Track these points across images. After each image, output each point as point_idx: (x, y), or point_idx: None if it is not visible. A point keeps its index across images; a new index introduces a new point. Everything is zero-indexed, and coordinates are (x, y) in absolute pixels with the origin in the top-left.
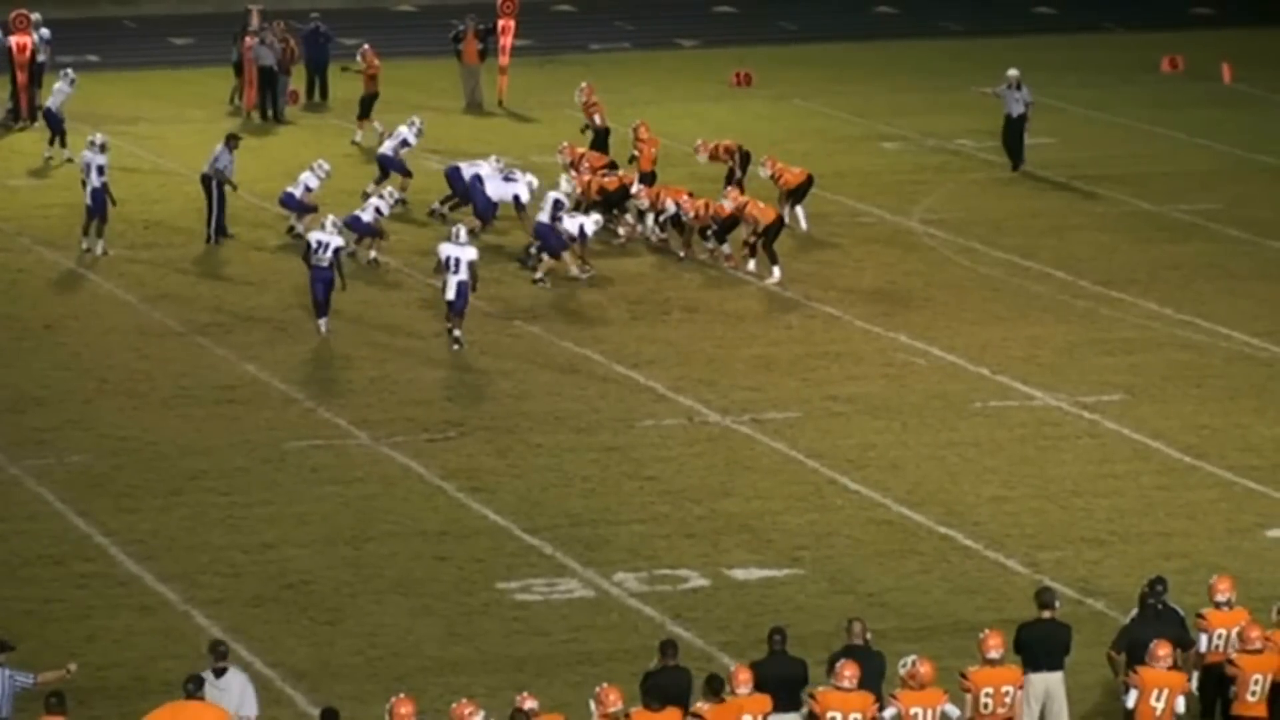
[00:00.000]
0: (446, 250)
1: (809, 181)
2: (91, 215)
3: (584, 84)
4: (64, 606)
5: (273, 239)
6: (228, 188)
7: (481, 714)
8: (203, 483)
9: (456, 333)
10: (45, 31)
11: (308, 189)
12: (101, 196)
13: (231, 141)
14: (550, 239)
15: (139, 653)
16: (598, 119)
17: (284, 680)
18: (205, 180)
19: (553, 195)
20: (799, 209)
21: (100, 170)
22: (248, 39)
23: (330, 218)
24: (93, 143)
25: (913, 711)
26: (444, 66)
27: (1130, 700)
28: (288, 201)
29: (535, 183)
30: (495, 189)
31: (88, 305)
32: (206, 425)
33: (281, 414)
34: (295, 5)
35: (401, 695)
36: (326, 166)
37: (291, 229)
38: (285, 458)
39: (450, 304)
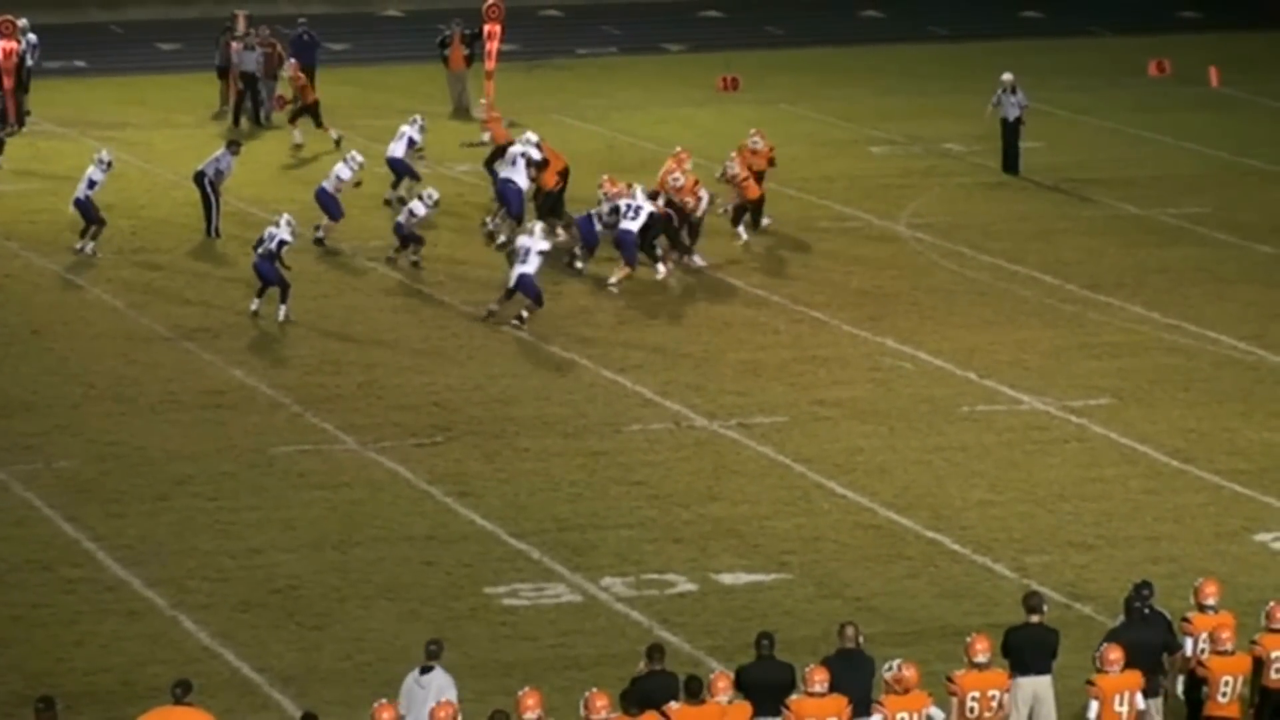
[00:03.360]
0: (523, 241)
1: (762, 200)
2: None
3: (483, 99)
4: (52, 612)
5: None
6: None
7: None
8: (190, 488)
9: (524, 313)
10: (32, 36)
11: (339, 179)
12: (85, 206)
13: (234, 147)
14: (630, 248)
15: (127, 658)
16: (488, 136)
17: (271, 685)
18: (199, 177)
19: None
20: (741, 227)
21: (90, 184)
22: (233, 44)
23: (285, 216)
24: (99, 159)
25: (898, 717)
26: (430, 71)
27: (1092, 712)
28: (320, 196)
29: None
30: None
31: (75, 310)
32: (194, 430)
33: (269, 419)
34: (282, 10)
35: (384, 701)
36: (360, 159)
37: (317, 232)
38: (272, 463)
39: (509, 290)
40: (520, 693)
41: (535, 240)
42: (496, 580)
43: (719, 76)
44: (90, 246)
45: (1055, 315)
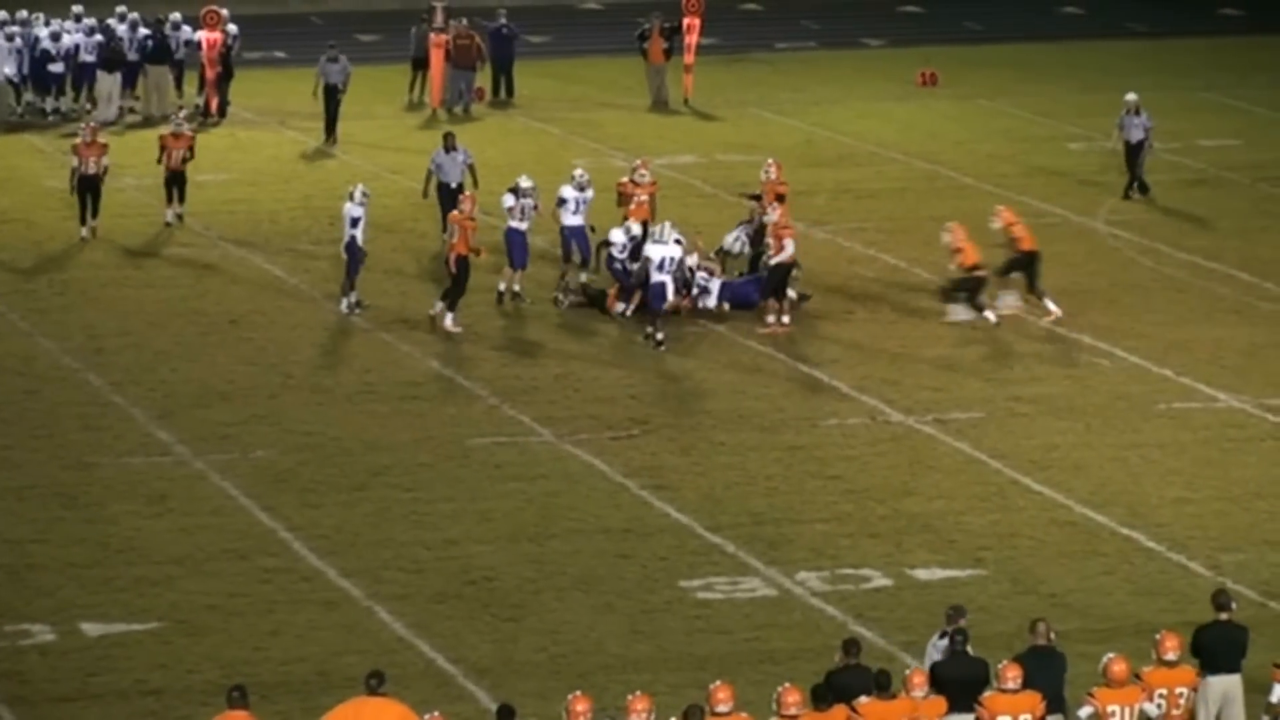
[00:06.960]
0: (653, 251)
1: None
2: (348, 269)
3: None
4: (248, 601)
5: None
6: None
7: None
8: (386, 479)
9: (659, 335)
10: (233, 28)
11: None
12: (355, 249)
13: (447, 139)
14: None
15: (322, 648)
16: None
17: (466, 677)
18: (442, 187)
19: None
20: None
21: (354, 222)
22: (432, 35)
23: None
24: (352, 194)
25: (1110, 709)
26: (630, 64)
27: (1275, 695)
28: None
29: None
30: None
31: (273, 300)
32: (390, 421)
33: (465, 411)
34: (482, 3)
35: (578, 693)
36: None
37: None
38: (469, 454)
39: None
40: (713, 686)
41: (669, 249)
42: (691, 574)
43: (918, 72)
44: (351, 297)
45: (1253, 313)
